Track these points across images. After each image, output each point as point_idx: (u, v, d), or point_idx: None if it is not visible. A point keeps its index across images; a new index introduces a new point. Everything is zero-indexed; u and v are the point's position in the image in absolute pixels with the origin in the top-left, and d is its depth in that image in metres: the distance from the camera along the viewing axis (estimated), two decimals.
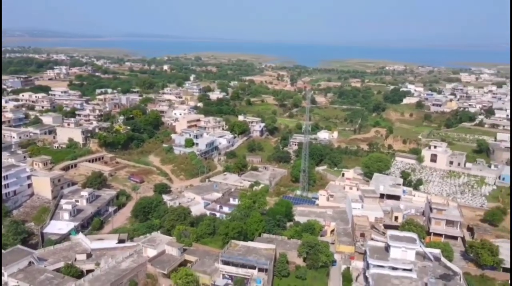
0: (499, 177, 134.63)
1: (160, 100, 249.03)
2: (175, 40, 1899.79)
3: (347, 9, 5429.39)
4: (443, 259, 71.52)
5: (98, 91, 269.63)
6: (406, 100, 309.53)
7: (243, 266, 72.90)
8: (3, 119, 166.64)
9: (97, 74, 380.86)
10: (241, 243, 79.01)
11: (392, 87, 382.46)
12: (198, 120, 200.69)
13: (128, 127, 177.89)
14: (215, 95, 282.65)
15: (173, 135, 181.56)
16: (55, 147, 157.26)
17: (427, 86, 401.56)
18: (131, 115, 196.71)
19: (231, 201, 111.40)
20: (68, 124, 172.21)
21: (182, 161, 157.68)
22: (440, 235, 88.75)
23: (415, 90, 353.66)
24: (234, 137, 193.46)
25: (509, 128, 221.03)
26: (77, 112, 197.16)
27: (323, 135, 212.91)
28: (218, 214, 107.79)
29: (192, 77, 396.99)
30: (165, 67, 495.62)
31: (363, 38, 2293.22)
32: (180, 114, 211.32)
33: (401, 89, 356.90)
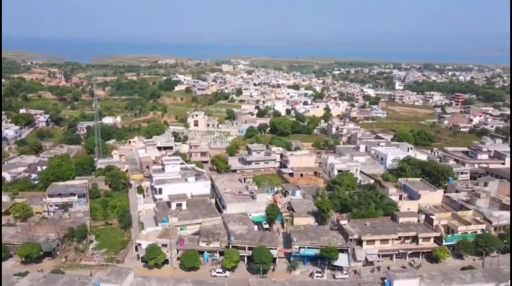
0: (239, 131, 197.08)
1: None
2: None
3: (114, 3, 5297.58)
4: (196, 168, 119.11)
5: None
6: (177, 88, 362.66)
7: (66, 195, 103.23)
8: None
9: None
10: (61, 183, 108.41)
11: (165, 78, 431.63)
12: None
13: None
14: None
15: None
16: None
17: (195, 76, 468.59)
18: None
19: (39, 169, 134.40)
20: None
21: None
22: (196, 162, 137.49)
23: (184, 79, 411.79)
24: (21, 128, 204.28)
25: (252, 102, 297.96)
26: None
27: (107, 120, 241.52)
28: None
29: None
30: None
31: (136, 34, 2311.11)
32: None
33: (173, 79, 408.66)
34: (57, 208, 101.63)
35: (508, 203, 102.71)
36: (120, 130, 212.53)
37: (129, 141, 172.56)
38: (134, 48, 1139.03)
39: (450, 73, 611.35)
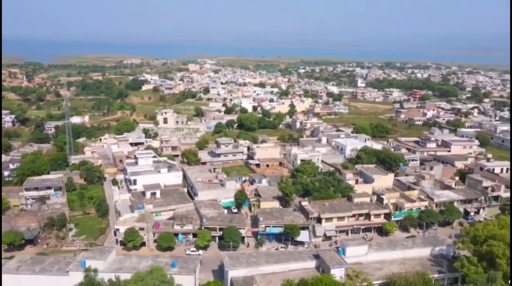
0: (207, 127, 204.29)
1: None
2: None
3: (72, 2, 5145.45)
4: (168, 160, 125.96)
5: None
6: (144, 87, 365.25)
7: (42, 189, 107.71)
8: None
9: None
10: (37, 177, 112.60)
11: (131, 77, 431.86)
12: None
13: None
14: None
15: None
16: None
17: (162, 75, 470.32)
18: None
19: (11, 166, 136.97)
20: None
21: None
22: (168, 155, 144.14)
23: (151, 79, 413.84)
24: None
25: (219, 100, 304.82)
26: None
27: (75, 119, 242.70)
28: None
29: None
30: None
31: (98, 34, 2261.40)
32: None
33: (139, 79, 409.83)
34: (34, 201, 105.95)
35: (450, 184, 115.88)
36: (89, 129, 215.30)
37: (100, 139, 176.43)
38: (97, 48, 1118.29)
39: (409, 71, 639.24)
